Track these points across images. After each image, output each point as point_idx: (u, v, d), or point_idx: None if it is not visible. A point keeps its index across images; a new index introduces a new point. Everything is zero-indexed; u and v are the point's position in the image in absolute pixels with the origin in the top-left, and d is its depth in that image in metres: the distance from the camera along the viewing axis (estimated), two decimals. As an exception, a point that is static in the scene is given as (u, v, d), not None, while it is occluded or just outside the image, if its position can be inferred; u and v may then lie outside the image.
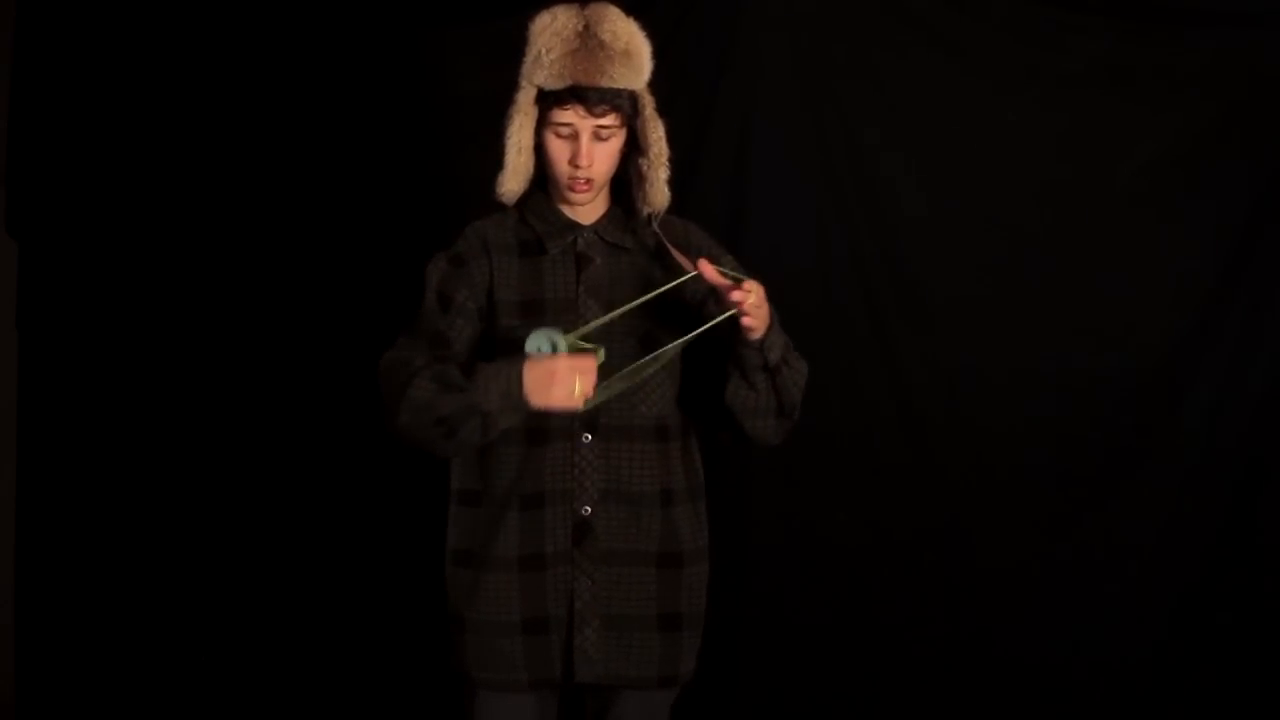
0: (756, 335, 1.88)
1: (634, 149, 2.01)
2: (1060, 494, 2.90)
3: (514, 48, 2.63)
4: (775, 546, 2.87)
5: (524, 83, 1.93)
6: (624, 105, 1.93)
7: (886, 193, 2.87)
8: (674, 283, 1.93)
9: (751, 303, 1.85)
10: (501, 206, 2.04)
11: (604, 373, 1.85)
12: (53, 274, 3.10)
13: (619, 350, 1.97)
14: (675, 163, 2.03)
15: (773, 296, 1.98)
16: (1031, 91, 2.84)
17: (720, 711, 2.84)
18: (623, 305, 1.94)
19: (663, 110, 2.02)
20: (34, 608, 3.18)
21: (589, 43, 1.89)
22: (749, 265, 2.05)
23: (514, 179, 1.97)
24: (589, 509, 1.98)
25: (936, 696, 2.94)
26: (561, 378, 1.80)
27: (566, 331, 1.86)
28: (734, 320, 1.87)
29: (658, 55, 2.16)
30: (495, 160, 1.99)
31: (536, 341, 1.85)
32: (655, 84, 1.99)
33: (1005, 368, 2.88)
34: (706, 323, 1.90)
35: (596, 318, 1.95)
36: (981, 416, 2.89)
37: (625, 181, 2.04)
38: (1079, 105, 2.83)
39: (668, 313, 2.00)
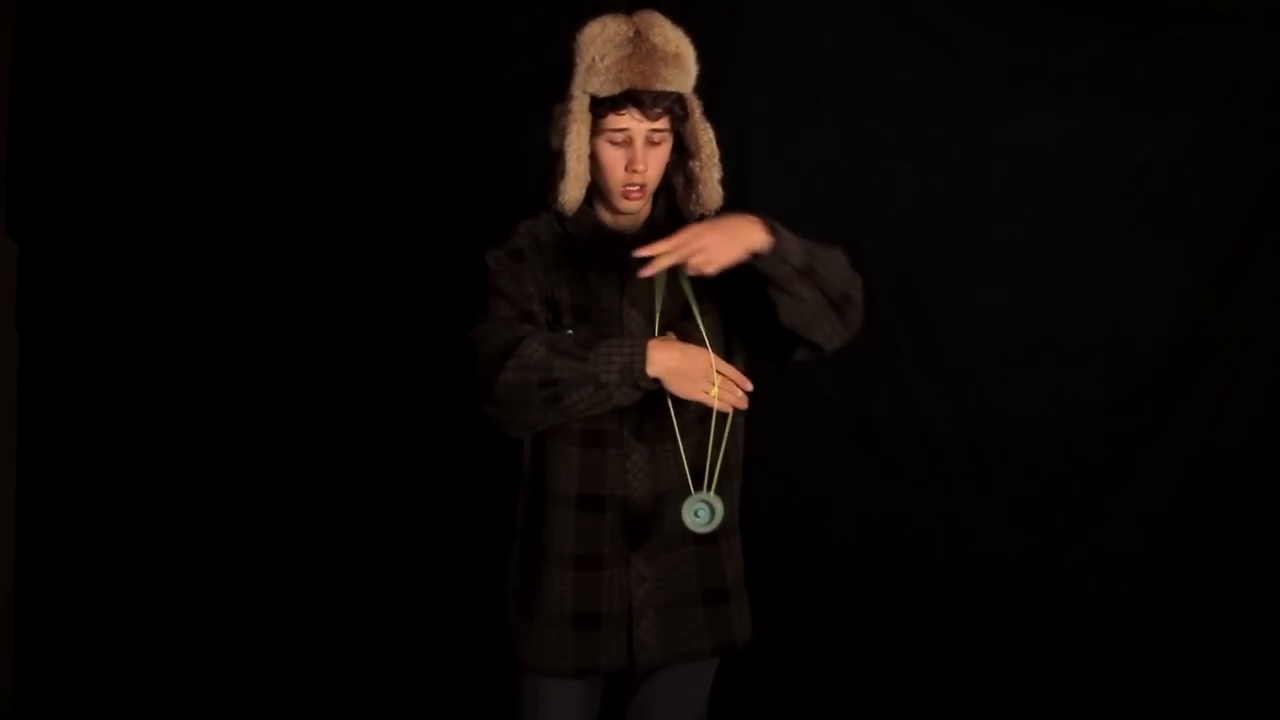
0: (712, 268, 1.84)
1: (677, 154, 2.03)
2: (1060, 495, 2.90)
3: (536, 42, 2.63)
4: (774, 547, 2.87)
5: (576, 92, 1.94)
6: (675, 108, 1.96)
7: (886, 192, 2.88)
8: None
9: (698, 259, 1.83)
10: (543, 208, 2.06)
11: None
12: (53, 274, 3.10)
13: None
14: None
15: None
16: (1031, 91, 2.84)
17: (717, 712, 2.84)
18: (662, 315, 1.98)
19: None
20: (34, 607, 3.18)
21: (641, 47, 1.92)
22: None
23: (576, 186, 1.97)
24: (642, 510, 2.03)
25: (936, 700, 2.94)
26: (706, 372, 1.84)
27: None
28: (748, 258, 1.87)
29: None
30: (536, 165, 2.01)
31: (694, 507, 1.95)
32: (698, 88, 2.01)
33: (1004, 368, 2.88)
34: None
35: (638, 327, 2.00)
36: (981, 417, 2.89)
37: (662, 189, 2.07)
38: (1078, 105, 2.83)
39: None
